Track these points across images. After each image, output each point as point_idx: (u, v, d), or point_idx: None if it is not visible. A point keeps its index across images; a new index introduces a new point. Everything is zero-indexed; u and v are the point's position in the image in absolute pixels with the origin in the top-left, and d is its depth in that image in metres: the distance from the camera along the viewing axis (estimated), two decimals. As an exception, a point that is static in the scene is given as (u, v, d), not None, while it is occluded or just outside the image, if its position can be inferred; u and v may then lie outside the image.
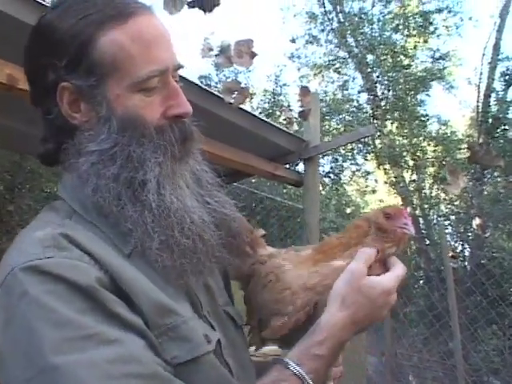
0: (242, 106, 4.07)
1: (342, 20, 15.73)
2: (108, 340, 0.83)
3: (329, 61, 16.02)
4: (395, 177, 13.18)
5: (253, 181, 9.96)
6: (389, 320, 7.88)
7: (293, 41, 17.67)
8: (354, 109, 14.28)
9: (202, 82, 12.13)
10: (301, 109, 4.49)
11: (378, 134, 12.80)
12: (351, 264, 1.08)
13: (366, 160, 14.47)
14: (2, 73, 2.68)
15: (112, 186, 0.98)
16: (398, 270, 1.11)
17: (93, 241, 0.95)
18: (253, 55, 3.50)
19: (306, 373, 0.96)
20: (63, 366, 0.80)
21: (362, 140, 12.98)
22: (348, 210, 16.54)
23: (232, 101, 4.10)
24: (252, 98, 17.55)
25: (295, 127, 4.91)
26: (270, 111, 14.34)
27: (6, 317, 0.86)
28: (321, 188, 16.29)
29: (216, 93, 4.20)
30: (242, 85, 3.70)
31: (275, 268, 1.19)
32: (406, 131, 13.89)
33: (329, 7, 16.50)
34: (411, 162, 13.50)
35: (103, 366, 0.81)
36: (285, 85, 15.98)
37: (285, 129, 5.02)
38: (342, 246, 1.16)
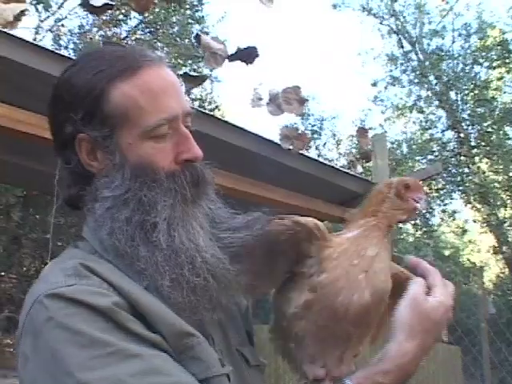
0: (307, 153, 4.07)
1: (421, 59, 15.55)
2: (131, 355, 0.87)
3: (412, 101, 15.81)
4: (487, 215, 12.57)
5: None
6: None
7: (374, 84, 17.67)
8: (439, 147, 13.89)
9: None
10: (361, 150, 4.43)
11: (467, 171, 12.32)
12: (411, 290, 1.07)
13: (452, 199, 13.94)
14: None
15: (126, 229, 1.02)
16: (449, 285, 1.08)
17: (112, 272, 1.00)
18: (302, 101, 3.53)
19: None
20: (89, 382, 0.83)
21: (452, 179, 12.56)
22: (446, 253, 15.90)
23: (291, 147, 4.13)
24: (339, 145, 17.61)
25: (359, 169, 4.83)
26: (358, 156, 14.23)
27: (34, 343, 0.91)
28: (412, 231, 15.82)
29: (278, 142, 4.25)
30: (301, 130, 3.68)
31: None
32: (500, 167, 13.29)
33: (407, 47, 16.43)
34: (507, 200, 12.86)
35: (127, 380, 0.84)
36: (370, 129, 15.92)
37: (351, 172, 4.96)
38: (362, 213, 1.15)
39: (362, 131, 4.37)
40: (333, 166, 4.88)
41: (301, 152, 4.40)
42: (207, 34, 12.87)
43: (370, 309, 1.05)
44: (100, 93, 1.05)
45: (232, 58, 2.86)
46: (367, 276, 1.05)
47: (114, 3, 2.38)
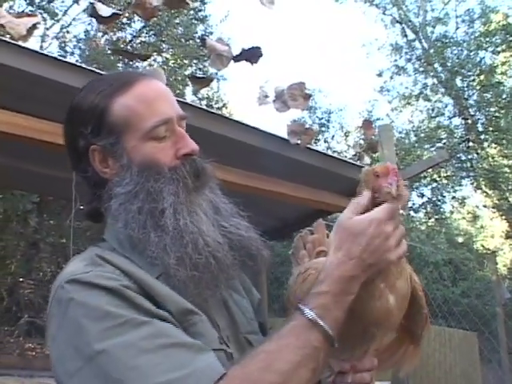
0: (316, 147, 4.15)
1: (426, 47, 15.55)
2: (139, 323, 0.99)
3: (418, 89, 15.81)
4: (498, 199, 12.58)
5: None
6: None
7: (379, 74, 17.68)
8: (447, 135, 13.90)
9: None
10: (366, 142, 4.51)
11: (476, 157, 12.33)
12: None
13: (462, 185, 13.92)
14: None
15: (138, 218, 1.15)
16: (388, 204, 1.08)
17: (126, 263, 1.13)
18: (307, 97, 3.64)
19: (310, 309, 1.02)
20: (106, 350, 0.96)
21: (461, 165, 12.56)
22: (460, 239, 15.89)
23: (298, 142, 4.22)
24: (348, 136, 17.64)
25: (367, 160, 4.90)
26: (364, 148, 14.25)
27: (58, 322, 1.04)
28: (424, 219, 15.82)
29: (283, 136, 4.34)
30: (307, 125, 3.78)
31: (315, 263, 1.23)
32: (509, 151, 13.29)
33: (411, 36, 16.43)
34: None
35: (138, 343, 0.96)
36: (378, 119, 15.95)
37: (358, 163, 5.05)
38: None
39: (367, 123, 4.45)
40: (340, 158, 4.97)
41: (308, 146, 4.50)
42: (211, 33, 12.99)
43: (394, 312, 1.09)
44: (104, 108, 1.21)
45: (237, 58, 2.96)
46: (390, 283, 1.09)
47: (121, 12, 2.48)
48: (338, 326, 1.03)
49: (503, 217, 12.75)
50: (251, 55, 2.97)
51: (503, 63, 13.88)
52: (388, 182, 1.09)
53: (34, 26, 2.63)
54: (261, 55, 2.95)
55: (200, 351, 1.01)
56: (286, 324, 1.03)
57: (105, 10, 2.43)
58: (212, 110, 5.08)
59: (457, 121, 14.24)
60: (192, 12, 13.25)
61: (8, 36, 3.08)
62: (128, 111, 1.20)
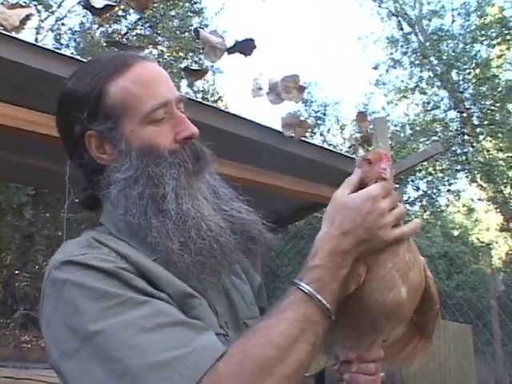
0: (312, 141, 4.16)
1: (422, 40, 15.54)
2: (138, 302, 0.98)
3: (414, 83, 15.82)
4: (493, 192, 12.62)
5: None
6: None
7: (375, 67, 17.68)
8: (442, 128, 13.93)
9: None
10: (361, 134, 4.52)
11: (471, 150, 12.36)
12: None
13: (457, 178, 13.95)
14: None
15: (139, 203, 1.12)
16: (383, 182, 1.09)
17: (122, 246, 1.11)
18: (301, 89, 3.64)
19: (306, 283, 1.01)
20: (104, 329, 0.93)
21: (457, 158, 12.59)
22: (455, 233, 15.93)
23: (293, 135, 4.23)
24: (343, 130, 17.65)
25: (362, 153, 4.91)
26: (360, 141, 14.26)
27: (54, 303, 1.01)
28: (419, 212, 15.86)
29: (279, 129, 4.35)
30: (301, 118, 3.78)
31: None
32: (504, 144, 13.32)
33: (407, 29, 16.41)
34: (512, 176, 12.90)
35: (137, 322, 0.94)
36: (374, 112, 15.96)
37: (354, 156, 5.06)
38: None
39: (362, 115, 4.45)
40: (335, 151, 4.97)
41: (303, 139, 4.50)
42: (206, 26, 12.95)
43: (405, 305, 1.07)
44: (100, 91, 1.17)
45: (231, 50, 2.95)
46: (402, 273, 1.06)
47: (115, 4, 2.47)
48: (335, 299, 1.02)
49: (498, 210, 12.80)
50: (245, 47, 2.96)
51: (499, 56, 13.89)
52: (381, 168, 1.10)
53: (27, 17, 2.61)
54: (254, 47, 2.94)
55: (200, 330, 0.99)
56: (282, 299, 1.02)
57: (98, 1, 2.42)
58: (207, 103, 5.08)
59: (452, 114, 14.29)
60: (187, 4, 13.21)
61: (1, 28, 3.07)
62: (125, 93, 1.17)
